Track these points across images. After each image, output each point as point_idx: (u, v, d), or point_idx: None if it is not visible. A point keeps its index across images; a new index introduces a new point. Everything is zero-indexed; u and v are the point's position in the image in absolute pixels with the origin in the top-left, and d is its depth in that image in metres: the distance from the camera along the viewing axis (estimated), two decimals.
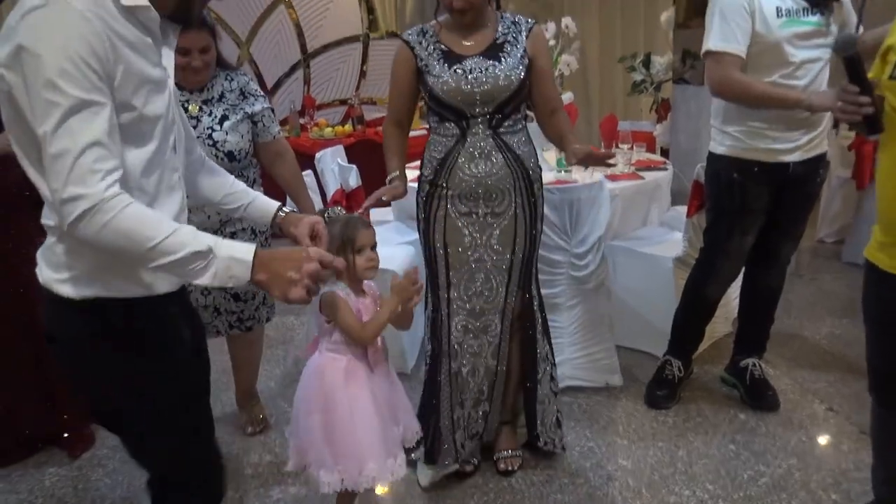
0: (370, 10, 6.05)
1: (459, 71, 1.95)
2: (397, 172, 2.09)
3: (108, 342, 1.20)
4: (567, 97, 3.32)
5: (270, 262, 1.13)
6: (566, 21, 3.28)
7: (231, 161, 2.11)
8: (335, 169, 3.27)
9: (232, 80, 2.17)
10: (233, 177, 1.54)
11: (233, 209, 1.51)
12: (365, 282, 1.80)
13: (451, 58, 1.98)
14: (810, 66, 2.18)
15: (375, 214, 3.37)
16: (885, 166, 1.57)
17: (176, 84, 1.92)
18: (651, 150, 3.91)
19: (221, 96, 2.14)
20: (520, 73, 1.97)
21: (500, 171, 2.00)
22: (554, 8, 6.66)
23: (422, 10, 6.54)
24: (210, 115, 2.10)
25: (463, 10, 1.94)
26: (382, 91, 5.91)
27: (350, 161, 3.90)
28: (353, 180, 3.06)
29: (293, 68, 5.83)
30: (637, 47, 6.27)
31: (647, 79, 3.98)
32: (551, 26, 3.36)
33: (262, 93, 2.22)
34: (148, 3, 1.14)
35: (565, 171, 3.21)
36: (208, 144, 2.07)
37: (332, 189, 3.31)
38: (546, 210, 2.44)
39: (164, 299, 1.24)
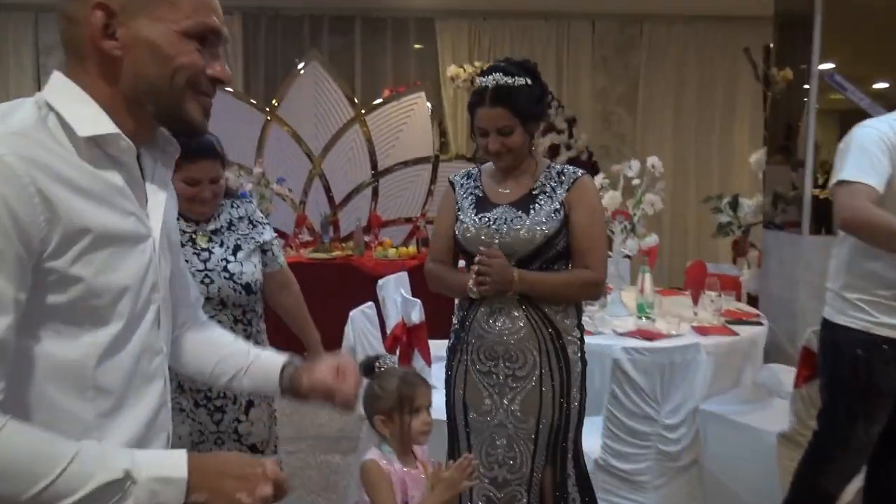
0: (442, 133, 6.11)
1: (485, 219, 1.88)
2: None
3: None
4: (652, 240, 3.11)
5: (214, 479, 0.84)
6: (652, 160, 3.11)
7: (248, 294, 1.93)
8: (398, 300, 3.08)
9: (238, 207, 2.04)
10: (228, 333, 1.22)
11: (227, 380, 1.14)
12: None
13: (482, 204, 1.91)
14: None
15: (432, 348, 3.14)
16: None
17: (181, 215, 1.76)
18: (737, 297, 3.60)
19: (230, 224, 1.99)
20: (547, 228, 1.82)
21: (522, 330, 1.84)
22: (626, 138, 6.62)
23: None
24: (222, 245, 1.94)
25: (498, 153, 1.85)
26: None
27: (412, 284, 3.73)
28: (416, 315, 2.85)
29: (362, 185, 5.85)
30: (711, 185, 6.10)
31: (733, 221, 3.73)
32: (635, 164, 3.20)
33: (267, 220, 2.10)
34: (116, 131, 0.86)
35: (647, 318, 2.94)
36: (224, 277, 1.90)
37: (392, 321, 3.11)
38: (633, 373, 2.18)
39: None
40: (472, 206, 1.92)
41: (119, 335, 0.87)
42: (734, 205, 3.74)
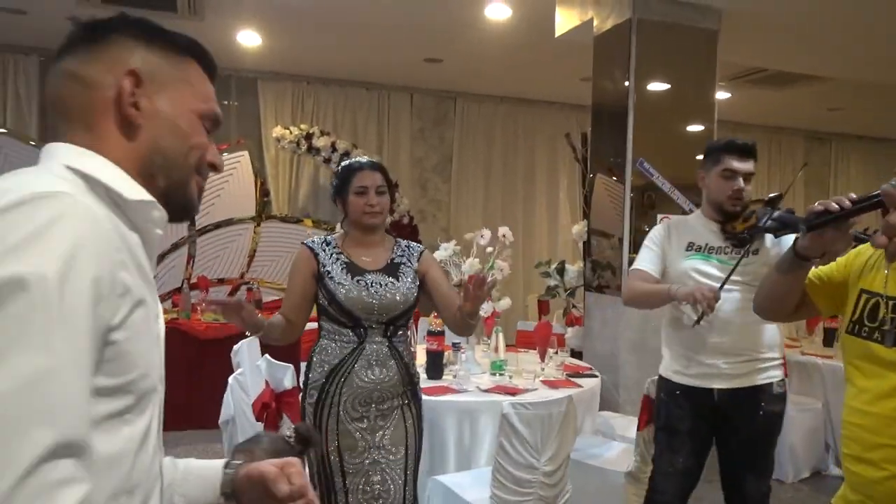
0: (265, 193, 6.02)
1: (362, 283, 2.12)
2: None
3: None
4: (506, 303, 3.39)
5: None
6: (503, 230, 3.42)
7: None
8: (262, 365, 2.97)
9: None
10: None
11: None
12: None
13: (353, 269, 2.14)
14: None
15: None
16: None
17: None
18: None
19: None
20: (414, 292, 2.18)
21: (395, 377, 2.13)
22: (441, 204, 7.07)
23: (315, 195, 6.63)
24: None
25: (373, 215, 2.15)
26: (270, 274, 5.75)
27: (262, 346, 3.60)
28: (289, 381, 2.79)
29: (178, 244, 5.52)
30: (541, 255, 6.71)
31: (560, 284, 4.18)
32: (486, 233, 3.50)
33: None
34: (153, 199, 0.82)
35: (500, 374, 3.18)
36: None
37: (255, 389, 2.99)
38: (518, 425, 2.37)
39: None
40: (344, 271, 2.13)
41: (149, 425, 0.78)
42: (561, 270, 4.20)
